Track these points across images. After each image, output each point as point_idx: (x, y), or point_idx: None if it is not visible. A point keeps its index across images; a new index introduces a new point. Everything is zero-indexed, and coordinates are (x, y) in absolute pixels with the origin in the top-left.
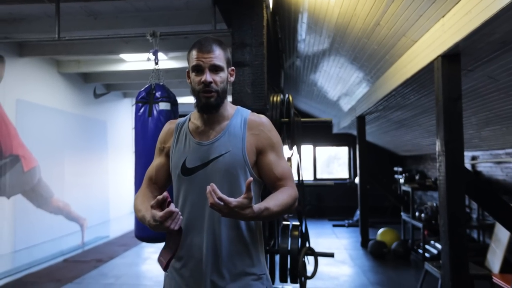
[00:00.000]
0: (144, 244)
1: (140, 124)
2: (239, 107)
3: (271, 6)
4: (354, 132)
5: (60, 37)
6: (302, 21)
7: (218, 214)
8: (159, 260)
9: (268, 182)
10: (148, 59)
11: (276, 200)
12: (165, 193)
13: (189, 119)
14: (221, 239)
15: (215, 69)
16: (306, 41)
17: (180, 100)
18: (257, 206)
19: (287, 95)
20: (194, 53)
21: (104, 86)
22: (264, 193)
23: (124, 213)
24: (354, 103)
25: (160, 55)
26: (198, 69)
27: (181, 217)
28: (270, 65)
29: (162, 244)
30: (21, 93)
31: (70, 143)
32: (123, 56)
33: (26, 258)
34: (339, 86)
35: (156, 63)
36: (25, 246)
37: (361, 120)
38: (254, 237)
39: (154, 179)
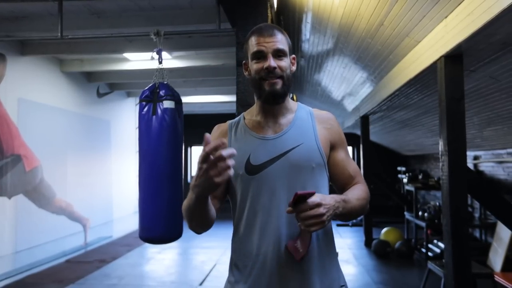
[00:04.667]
0: (148, 244)
1: (144, 123)
2: (299, 102)
3: (275, 5)
4: (358, 132)
5: (63, 36)
6: (306, 21)
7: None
8: (293, 248)
9: (340, 182)
10: (152, 58)
11: (353, 194)
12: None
13: (244, 118)
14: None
15: (279, 54)
16: (310, 41)
17: (184, 99)
18: (332, 199)
19: (291, 95)
20: (253, 39)
21: (108, 85)
22: None
23: (128, 213)
24: (358, 103)
25: (164, 54)
26: (260, 55)
27: (232, 162)
28: None
29: (164, 245)
30: (23, 92)
31: (73, 143)
32: (126, 55)
33: (28, 259)
34: (343, 86)
35: (160, 62)
36: (27, 246)
37: (365, 120)
38: (333, 243)
39: None
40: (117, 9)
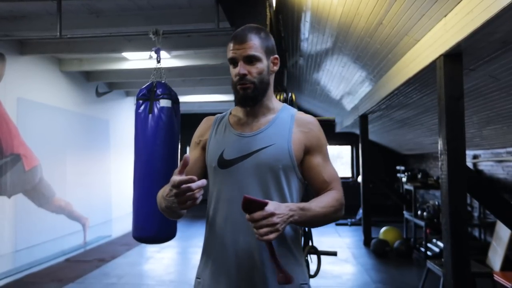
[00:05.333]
0: None
1: (140, 122)
2: (285, 104)
3: (274, 4)
4: (357, 131)
5: (61, 35)
6: (305, 20)
7: None
8: (283, 278)
9: (314, 186)
10: (150, 57)
11: (318, 202)
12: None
13: (230, 113)
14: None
15: (250, 60)
16: (309, 40)
17: (183, 99)
18: (286, 208)
19: (290, 94)
20: (230, 45)
21: (107, 85)
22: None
23: (127, 212)
24: (357, 102)
25: (163, 53)
26: (233, 62)
27: (201, 192)
28: None
29: (163, 244)
30: (22, 91)
31: (72, 142)
32: (125, 54)
33: (27, 258)
34: (342, 85)
35: (158, 62)
36: (26, 245)
37: (363, 119)
38: (298, 240)
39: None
40: (116, 9)
